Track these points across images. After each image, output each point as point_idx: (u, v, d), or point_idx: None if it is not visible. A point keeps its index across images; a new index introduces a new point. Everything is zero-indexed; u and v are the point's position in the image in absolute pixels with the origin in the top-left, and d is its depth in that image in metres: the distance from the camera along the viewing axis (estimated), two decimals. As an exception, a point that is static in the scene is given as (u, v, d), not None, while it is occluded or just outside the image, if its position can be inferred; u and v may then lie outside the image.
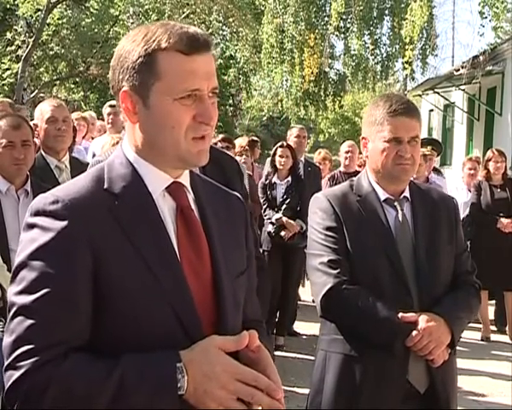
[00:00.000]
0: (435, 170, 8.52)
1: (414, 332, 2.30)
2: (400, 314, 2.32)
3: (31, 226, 1.40)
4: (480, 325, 7.10)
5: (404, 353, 2.34)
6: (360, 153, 7.64)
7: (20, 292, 1.34)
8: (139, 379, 1.30)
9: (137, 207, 1.42)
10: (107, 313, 1.36)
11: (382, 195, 2.48)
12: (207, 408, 1.34)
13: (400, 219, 2.46)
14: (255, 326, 1.72)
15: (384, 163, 2.42)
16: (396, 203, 2.48)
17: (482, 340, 6.92)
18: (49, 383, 1.28)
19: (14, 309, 1.34)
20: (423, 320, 2.32)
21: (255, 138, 8.74)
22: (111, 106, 6.58)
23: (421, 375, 2.39)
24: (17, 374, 1.29)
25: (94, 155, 5.40)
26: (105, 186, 1.43)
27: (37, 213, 1.40)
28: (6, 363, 1.32)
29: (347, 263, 2.40)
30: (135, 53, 1.44)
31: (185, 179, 1.54)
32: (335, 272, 2.37)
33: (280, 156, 6.57)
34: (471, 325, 7.36)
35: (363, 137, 2.54)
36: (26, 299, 1.33)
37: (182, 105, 1.42)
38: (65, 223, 1.37)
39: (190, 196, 1.54)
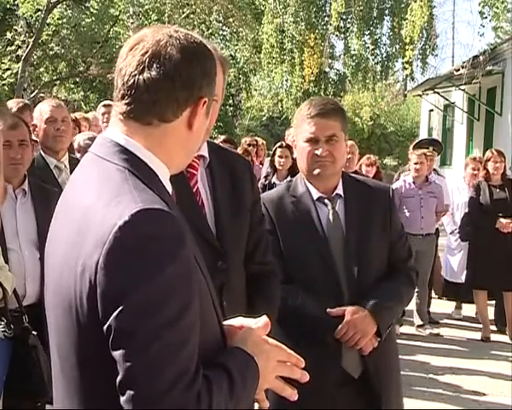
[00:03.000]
0: (434, 171, 8.53)
1: (340, 325, 2.47)
2: (328, 310, 2.48)
3: (148, 249, 1.24)
4: (480, 325, 7.10)
5: (335, 344, 2.50)
6: (360, 153, 7.63)
7: (165, 324, 1.22)
8: (244, 388, 1.37)
9: (179, 214, 1.40)
10: None
11: (315, 194, 2.61)
12: (257, 395, 1.46)
13: (331, 216, 2.59)
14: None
15: (305, 162, 2.58)
16: (327, 201, 2.60)
17: (482, 340, 6.90)
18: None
19: (160, 342, 1.22)
20: (348, 314, 2.48)
21: (257, 140, 8.83)
22: (105, 106, 6.61)
23: (354, 361, 2.54)
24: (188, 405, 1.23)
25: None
26: (156, 193, 1.34)
27: (150, 233, 1.26)
28: (169, 401, 1.22)
29: (282, 263, 2.51)
30: (211, 62, 1.45)
31: None
32: None
33: (279, 157, 6.58)
34: (471, 324, 7.41)
35: (293, 140, 2.73)
36: (170, 331, 1.23)
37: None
38: (185, 241, 1.29)
39: None
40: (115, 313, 1.22)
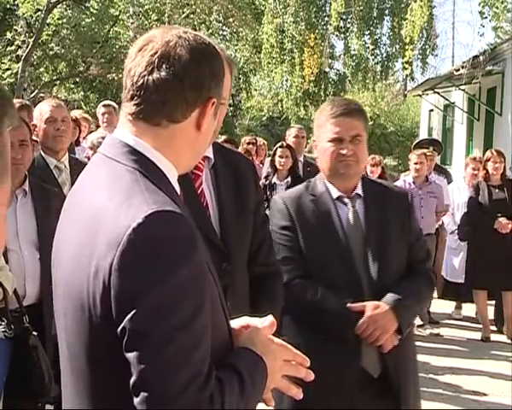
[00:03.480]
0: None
1: (360, 320, 2.45)
2: (348, 305, 2.46)
3: (161, 250, 1.25)
4: (480, 325, 7.11)
5: (355, 340, 2.47)
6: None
7: (176, 327, 1.23)
8: (253, 388, 1.38)
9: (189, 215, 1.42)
10: None
11: (335, 193, 2.62)
12: (265, 394, 1.46)
13: (351, 215, 2.60)
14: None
15: (329, 162, 2.59)
16: (347, 200, 2.61)
17: (482, 340, 6.91)
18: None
19: (172, 344, 1.22)
20: (369, 309, 2.46)
21: (257, 138, 8.87)
22: (105, 105, 6.64)
23: (374, 361, 2.52)
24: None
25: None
26: (166, 193, 1.35)
27: (162, 235, 1.26)
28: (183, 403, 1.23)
29: (301, 259, 2.53)
30: (220, 63, 1.45)
31: None
32: (287, 268, 2.52)
33: (280, 157, 6.57)
34: (471, 325, 7.40)
35: (314, 140, 2.72)
36: (184, 333, 1.23)
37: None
38: (196, 245, 1.29)
39: None
40: (129, 315, 1.22)
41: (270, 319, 1.51)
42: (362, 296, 2.50)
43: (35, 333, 2.91)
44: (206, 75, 1.41)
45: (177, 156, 1.43)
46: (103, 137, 5.26)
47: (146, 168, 1.37)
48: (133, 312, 1.22)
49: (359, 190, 2.63)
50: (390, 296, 2.51)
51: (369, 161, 7.62)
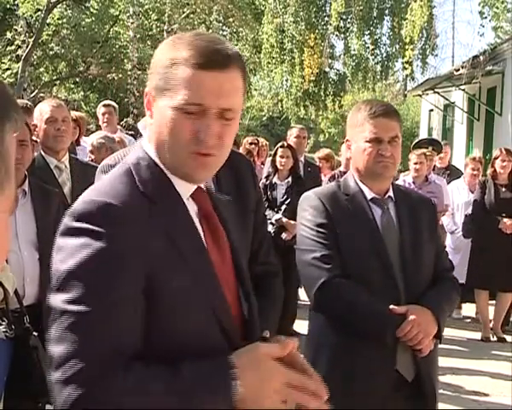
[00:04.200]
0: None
1: (404, 323, 2.41)
2: (391, 307, 2.43)
3: (77, 232, 1.35)
4: (480, 325, 7.10)
5: (392, 343, 2.45)
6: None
7: (73, 301, 1.31)
8: (195, 390, 1.31)
9: (173, 212, 1.44)
10: (152, 316, 1.37)
11: (369, 194, 2.60)
12: None
13: (386, 217, 2.59)
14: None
15: (366, 162, 2.55)
16: (381, 202, 2.60)
17: (482, 340, 6.90)
18: (113, 397, 1.28)
19: (66, 318, 1.31)
20: (412, 312, 2.43)
21: (259, 139, 8.85)
22: (105, 105, 6.65)
23: (408, 364, 2.50)
24: (78, 391, 1.27)
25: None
26: (141, 189, 1.42)
27: (83, 219, 1.35)
28: (58, 376, 1.29)
29: (339, 258, 2.50)
30: (162, 57, 1.49)
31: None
32: (328, 266, 2.49)
33: (280, 157, 6.57)
34: (471, 324, 7.39)
35: (347, 140, 2.69)
36: (81, 308, 1.30)
37: (183, 116, 1.42)
38: (115, 229, 1.34)
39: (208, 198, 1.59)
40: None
41: (286, 341, 1.45)
42: (398, 299, 2.48)
43: (35, 333, 2.91)
44: (151, 70, 1.51)
45: (162, 155, 1.49)
46: (103, 137, 5.25)
47: (142, 167, 1.47)
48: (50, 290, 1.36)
49: (391, 193, 2.63)
50: (428, 300, 2.50)
51: None
